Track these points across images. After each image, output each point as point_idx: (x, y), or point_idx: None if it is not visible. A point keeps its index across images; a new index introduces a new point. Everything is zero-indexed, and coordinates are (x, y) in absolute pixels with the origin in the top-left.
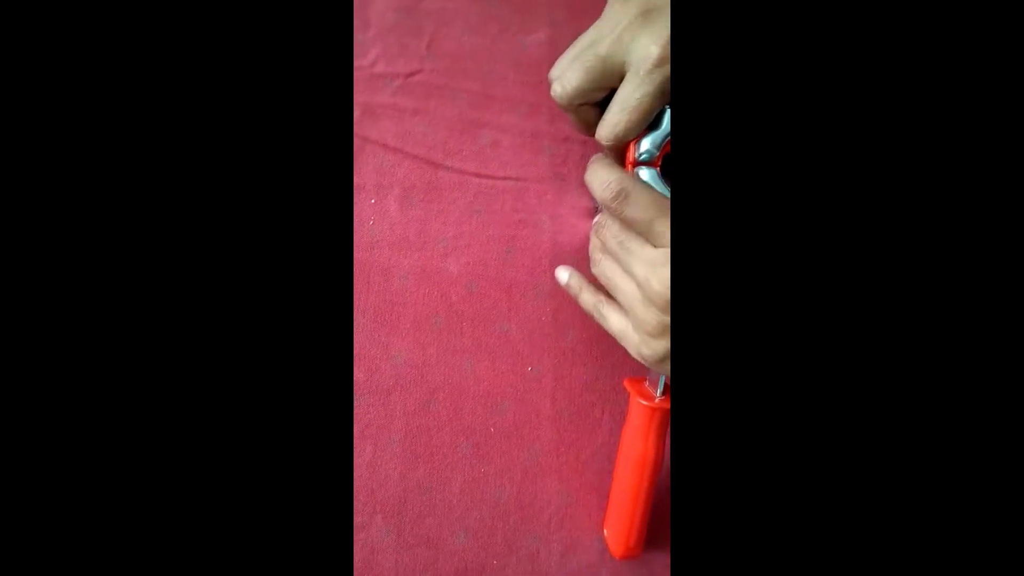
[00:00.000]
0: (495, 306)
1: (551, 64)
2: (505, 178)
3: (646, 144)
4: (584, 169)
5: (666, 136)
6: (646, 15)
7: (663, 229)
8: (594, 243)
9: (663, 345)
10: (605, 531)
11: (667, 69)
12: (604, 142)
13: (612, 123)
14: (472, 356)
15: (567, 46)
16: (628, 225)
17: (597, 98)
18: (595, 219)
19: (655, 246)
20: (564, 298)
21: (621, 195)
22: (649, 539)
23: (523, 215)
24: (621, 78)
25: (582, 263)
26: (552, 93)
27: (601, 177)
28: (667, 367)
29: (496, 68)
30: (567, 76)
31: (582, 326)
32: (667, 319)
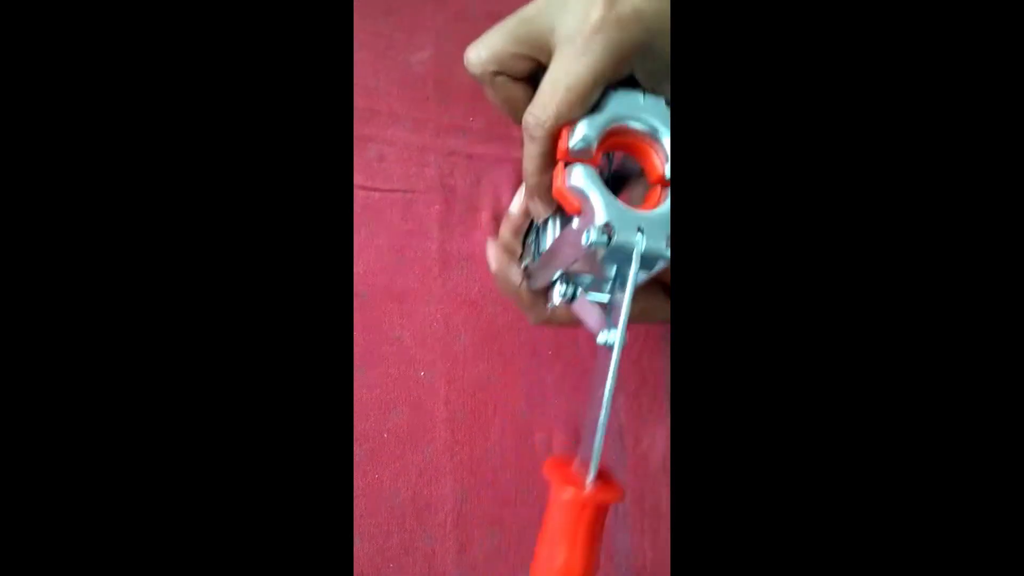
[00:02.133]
0: (387, 315)
1: (436, 81)
2: (392, 190)
3: (583, 129)
4: (471, 178)
5: (610, 122)
6: None
7: None
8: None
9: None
10: None
11: (612, 35)
12: (532, 131)
13: (542, 104)
14: (364, 364)
15: (453, 64)
16: None
17: (519, 70)
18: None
19: None
20: (455, 303)
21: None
22: None
23: (412, 225)
24: (550, 52)
25: (473, 267)
26: (465, 60)
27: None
28: None
29: (381, 84)
30: (483, 40)
31: (474, 328)
32: None
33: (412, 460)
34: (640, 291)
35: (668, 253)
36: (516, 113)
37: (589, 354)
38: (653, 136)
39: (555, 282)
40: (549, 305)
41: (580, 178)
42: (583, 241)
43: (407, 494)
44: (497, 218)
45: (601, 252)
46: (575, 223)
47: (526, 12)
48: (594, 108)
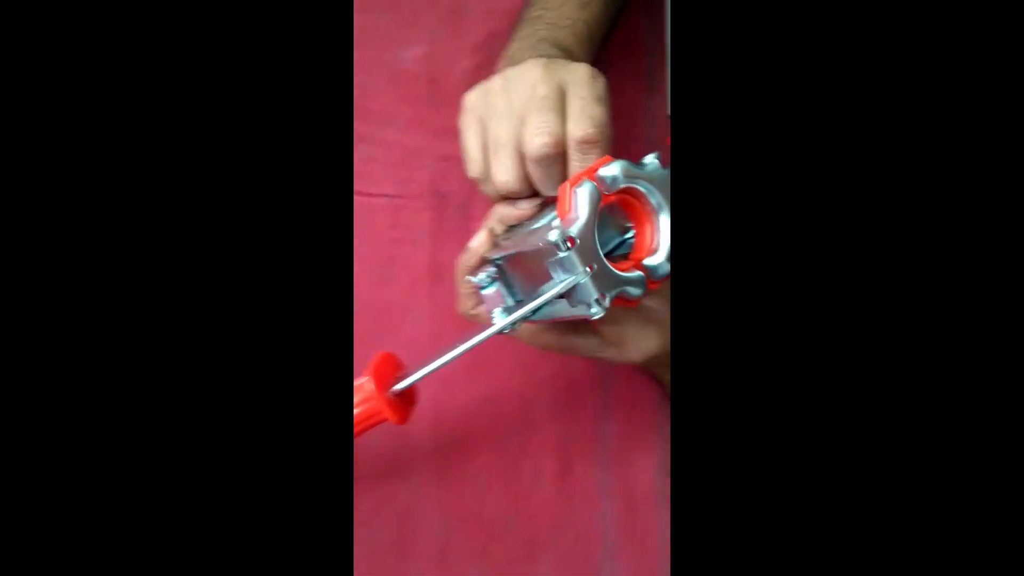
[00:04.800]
0: (368, 330)
1: (430, 81)
2: (380, 195)
3: (616, 169)
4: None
5: (638, 179)
6: (547, 60)
7: None
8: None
9: None
10: None
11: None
12: (581, 142)
13: (584, 127)
14: None
15: (447, 63)
16: None
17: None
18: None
19: None
20: (445, 320)
21: None
22: None
23: (400, 233)
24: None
25: None
26: (533, 155)
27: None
28: None
29: (372, 81)
30: (539, 126)
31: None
32: None
33: (395, 490)
34: (566, 326)
35: (594, 310)
36: (554, 183)
37: (584, 378)
38: (656, 212)
39: (493, 261)
40: (472, 279)
41: (586, 194)
42: (549, 236)
43: (389, 526)
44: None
45: (551, 254)
46: (555, 222)
47: (545, 84)
48: (639, 162)
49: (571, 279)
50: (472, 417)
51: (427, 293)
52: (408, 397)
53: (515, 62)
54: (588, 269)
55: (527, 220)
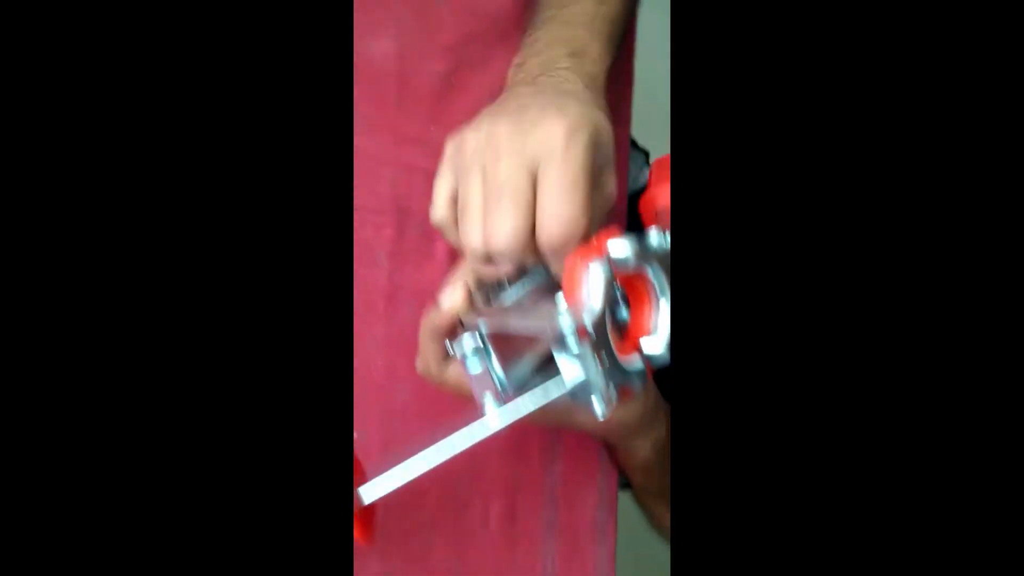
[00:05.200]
0: None
1: (399, 79)
2: None
3: (627, 249)
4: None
5: (644, 261)
6: (521, 112)
7: None
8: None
9: None
10: None
11: (585, 137)
12: (548, 250)
13: (555, 220)
14: None
15: (417, 60)
16: None
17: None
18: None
19: None
20: (401, 347)
21: None
22: None
23: (356, 251)
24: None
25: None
26: (502, 245)
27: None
28: None
29: None
30: (503, 223)
31: (419, 380)
32: None
33: None
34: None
35: (599, 411)
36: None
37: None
38: (657, 295)
39: (477, 333)
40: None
41: (600, 275)
42: (556, 317)
43: None
44: (453, 253)
45: (557, 343)
46: (562, 304)
47: (505, 168)
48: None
49: (580, 376)
50: None
51: (383, 318)
52: (369, 509)
53: (517, 87)
54: (599, 366)
55: (509, 282)
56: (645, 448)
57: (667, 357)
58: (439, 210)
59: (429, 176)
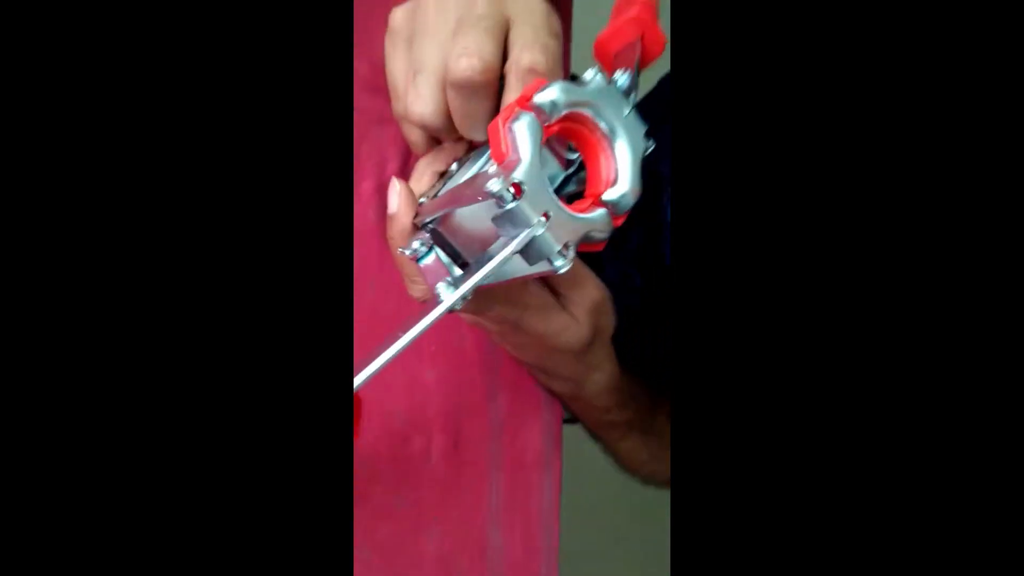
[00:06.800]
0: None
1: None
2: None
3: (555, 92)
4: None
5: (581, 102)
6: None
7: None
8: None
9: None
10: None
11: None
12: (529, 70)
13: (524, 44)
14: None
15: None
16: None
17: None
18: None
19: None
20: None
21: None
22: None
23: None
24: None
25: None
26: (453, 76)
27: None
28: None
29: None
30: (467, 45)
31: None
32: None
33: None
34: (515, 291)
35: (559, 263)
36: (479, 124)
37: (474, 349)
38: (609, 138)
39: (425, 225)
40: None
41: (524, 128)
42: (489, 186)
43: None
44: (381, 190)
45: (497, 209)
46: (492, 168)
47: (483, 9)
48: (573, 79)
49: (525, 233)
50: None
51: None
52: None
53: None
54: (543, 218)
55: (455, 170)
56: (600, 380)
57: (630, 200)
58: (399, 95)
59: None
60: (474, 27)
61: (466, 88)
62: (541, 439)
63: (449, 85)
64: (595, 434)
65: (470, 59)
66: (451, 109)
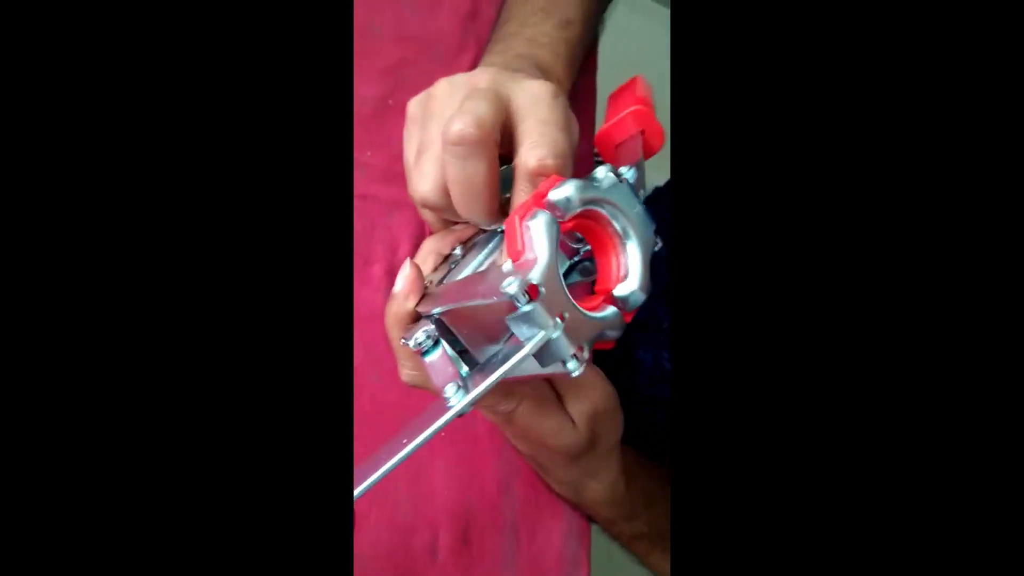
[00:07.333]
0: None
1: None
2: None
3: (571, 189)
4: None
5: (596, 201)
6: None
7: None
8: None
9: None
10: None
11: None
12: (535, 173)
13: (540, 151)
14: None
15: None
16: None
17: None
18: None
19: None
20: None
21: None
22: None
23: None
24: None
25: (360, 330)
26: (460, 127)
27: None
28: None
29: None
30: (466, 108)
31: (355, 405)
32: None
33: None
34: (511, 380)
35: (572, 366)
36: (475, 197)
37: (487, 437)
38: (622, 236)
39: (431, 316)
40: (407, 341)
41: (541, 227)
42: (502, 286)
43: None
44: (391, 273)
45: (508, 308)
46: (505, 265)
47: (487, 80)
48: (590, 177)
49: (540, 336)
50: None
51: None
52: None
53: None
54: (559, 320)
55: (459, 255)
56: (597, 489)
57: (640, 297)
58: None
59: (362, 199)
60: (471, 97)
61: (460, 147)
62: (562, 539)
63: (444, 149)
64: (623, 544)
65: (463, 117)
66: (448, 182)
